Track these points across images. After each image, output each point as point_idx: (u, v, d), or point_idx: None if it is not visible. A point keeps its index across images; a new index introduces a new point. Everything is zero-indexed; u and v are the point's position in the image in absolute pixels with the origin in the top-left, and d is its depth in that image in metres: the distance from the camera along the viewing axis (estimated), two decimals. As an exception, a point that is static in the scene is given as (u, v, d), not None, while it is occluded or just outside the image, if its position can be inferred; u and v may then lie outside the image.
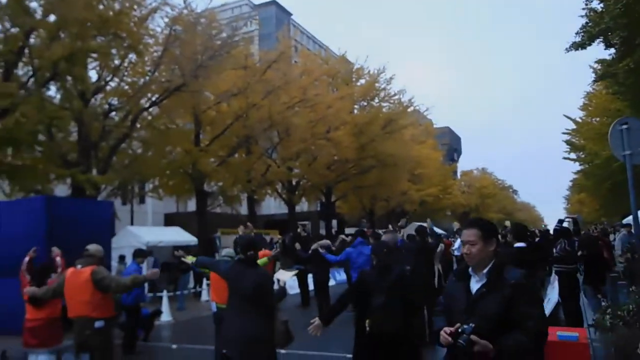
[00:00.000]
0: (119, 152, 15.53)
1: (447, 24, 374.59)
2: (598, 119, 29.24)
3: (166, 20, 15.51)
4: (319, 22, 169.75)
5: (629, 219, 15.67)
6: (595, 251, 9.78)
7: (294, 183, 27.46)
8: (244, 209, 28.66)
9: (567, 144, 33.87)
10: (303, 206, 40.45)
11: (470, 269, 2.83)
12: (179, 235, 16.39)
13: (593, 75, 30.11)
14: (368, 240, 8.50)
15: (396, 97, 30.94)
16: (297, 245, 14.28)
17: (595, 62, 14.38)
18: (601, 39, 9.03)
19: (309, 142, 23.31)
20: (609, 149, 23.79)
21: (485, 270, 2.73)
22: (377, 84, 30.13)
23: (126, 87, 14.92)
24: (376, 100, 30.82)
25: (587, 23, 9.29)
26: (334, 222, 37.44)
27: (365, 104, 30.75)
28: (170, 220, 29.05)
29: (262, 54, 24.02)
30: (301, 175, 26.87)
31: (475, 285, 2.77)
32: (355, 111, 30.21)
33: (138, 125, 15.44)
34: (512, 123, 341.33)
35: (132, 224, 21.65)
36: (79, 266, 5.35)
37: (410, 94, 35.01)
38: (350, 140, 26.68)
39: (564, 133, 33.83)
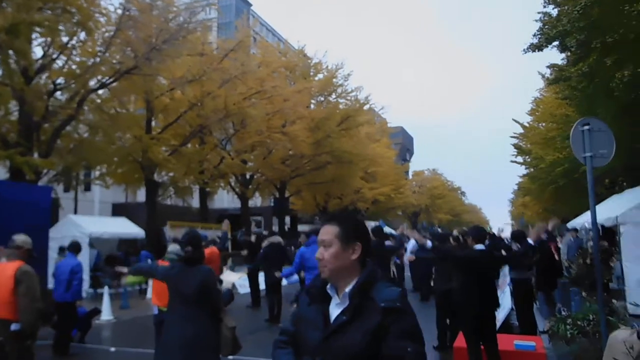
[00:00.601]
0: (63, 135, 14.57)
1: (405, 23, 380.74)
2: (544, 124, 30.32)
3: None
4: (279, 15, 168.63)
5: (574, 223, 16.21)
6: (547, 256, 9.63)
7: (247, 177, 26.99)
8: (196, 202, 27.99)
9: (515, 147, 34.97)
10: (257, 201, 39.95)
11: (328, 287, 2.08)
12: (125, 227, 15.58)
13: (542, 81, 31.64)
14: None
15: (353, 93, 30.93)
16: (244, 252, 13.84)
17: (547, 66, 14.76)
18: (557, 43, 9.18)
19: (265, 135, 22.92)
20: (554, 154, 24.54)
21: (347, 289, 2.00)
22: (334, 80, 30.01)
23: (74, 66, 13.98)
24: (333, 96, 30.71)
25: (544, 26, 9.44)
26: (287, 219, 37.20)
27: (322, 99, 30.58)
28: (118, 210, 27.93)
29: (220, 42, 23.42)
30: (255, 169, 26.42)
31: (334, 309, 2.02)
32: (313, 106, 30.02)
33: (86, 108, 14.59)
34: (465, 124, 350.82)
35: (75, 212, 20.60)
36: (3, 259, 4.72)
37: (367, 92, 35.20)
38: (306, 135, 26.44)
39: (512, 137, 34.95)
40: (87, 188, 22.88)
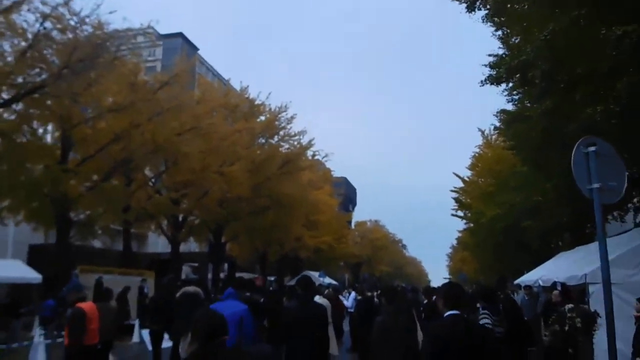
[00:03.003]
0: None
1: (352, 75, 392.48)
2: (483, 179, 30.57)
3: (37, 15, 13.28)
4: (226, 62, 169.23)
5: (525, 280, 15.56)
6: (518, 318, 7.73)
7: (180, 219, 25.14)
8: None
9: (456, 201, 35.04)
10: (193, 246, 37.82)
11: None
12: (18, 271, 13.43)
13: (481, 137, 32.12)
14: (244, 293, 6.29)
15: (296, 137, 30.09)
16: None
17: (498, 112, 14.34)
18: (515, 77, 8.52)
19: (199, 175, 21.44)
20: (494, 209, 24.33)
21: None
22: (277, 122, 29.15)
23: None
24: (275, 138, 29.75)
25: (504, 55, 8.82)
26: (225, 266, 35.15)
27: (264, 141, 29.55)
28: (36, 252, 25.02)
29: (156, 75, 22.11)
30: (188, 211, 24.67)
31: None
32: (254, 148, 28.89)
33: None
34: (406, 177, 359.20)
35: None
36: None
37: (310, 136, 34.39)
38: (245, 177, 25.14)
39: (452, 190, 35.05)
40: None
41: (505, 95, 12.82)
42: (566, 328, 7.14)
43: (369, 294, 9.81)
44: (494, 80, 8.97)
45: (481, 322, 6.41)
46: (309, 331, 5.12)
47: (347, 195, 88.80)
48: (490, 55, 10.83)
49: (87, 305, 6.34)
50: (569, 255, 13.29)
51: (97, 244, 20.63)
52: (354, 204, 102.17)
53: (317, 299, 8.02)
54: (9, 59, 13.01)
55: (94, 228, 18.11)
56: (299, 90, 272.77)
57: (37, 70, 13.37)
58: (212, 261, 30.73)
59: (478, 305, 7.41)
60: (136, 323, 13.92)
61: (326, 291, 11.64)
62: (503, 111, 13.59)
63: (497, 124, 16.51)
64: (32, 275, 13.52)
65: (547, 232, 18.37)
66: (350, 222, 70.68)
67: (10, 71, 12.58)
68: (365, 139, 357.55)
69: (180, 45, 68.97)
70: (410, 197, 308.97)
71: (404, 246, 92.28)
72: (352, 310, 12.30)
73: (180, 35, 72.95)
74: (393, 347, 3.97)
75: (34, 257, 22.72)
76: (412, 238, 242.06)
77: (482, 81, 9.31)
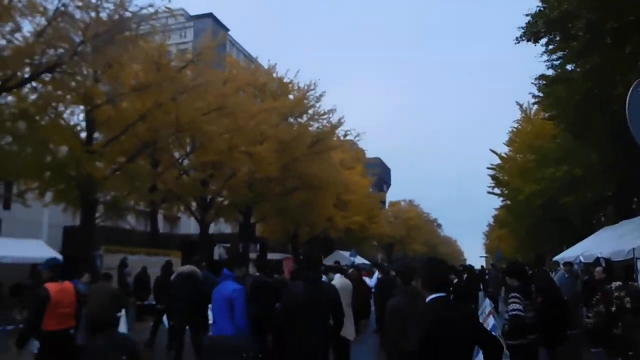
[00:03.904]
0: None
1: (386, 54, 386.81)
2: (521, 155, 29.53)
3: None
4: (257, 43, 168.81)
5: (564, 256, 14.65)
6: (555, 298, 6.72)
7: (208, 200, 25.02)
8: (160, 226, 25.80)
9: (492, 178, 34.01)
10: (224, 227, 37.93)
11: None
12: (37, 251, 13.39)
13: (519, 111, 30.90)
14: (239, 273, 5.51)
15: (325, 116, 29.45)
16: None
17: (536, 78, 13.30)
18: (555, 32, 7.64)
19: (226, 155, 21.14)
20: (532, 185, 23.36)
21: None
22: (305, 101, 28.55)
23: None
24: (304, 117, 29.21)
25: (540, 10, 7.93)
26: (255, 247, 35.14)
27: (293, 120, 29.03)
28: (69, 234, 25.53)
29: (180, 55, 21.82)
30: (216, 192, 24.51)
31: None
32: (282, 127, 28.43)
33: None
34: (443, 155, 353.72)
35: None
36: None
37: (340, 114, 33.66)
38: (273, 157, 24.76)
39: (489, 168, 34.00)
40: (7, 206, 20.45)
41: (545, 61, 11.87)
42: (613, 309, 6.33)
43: (393, 273, 9.22)
44: (531, 35, 8.11)
45: (510, 307, 5.70)
46: (314, 316, 4.52)
47: (380, 175, 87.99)
48: (527, 15, 9.89)
49: (55, 286, 5.71)
50: (614, 230, 12.38)
51: (127, 225, 20.65)
52: (388, 185, 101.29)
53: (337, 277, 7.53)
54: (29, 37, 12.81)
55: (121, 209, 18.05)
56: (331, 68, 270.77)
57: (57, 50, 13.14)
58: (242, 242, 30.69)
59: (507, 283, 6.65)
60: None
61: (350, 270, 11.13)
62: (542, 77, 12.59)
63: (536, 93, 15.48)
64: (51, 255, 13.47)
65: (588, 207, 17.38)
66: (383, 202, 69.96)
67: (30, 50, 12.37)
68: (400, 118, 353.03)
69: (210, 26, 68.97)
70: (446, 176, 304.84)
71: (439, 225, 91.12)
72: (374, 288, 11.72)
73: (210, 15, 72.89)
74: (408, 336, 3.32)
75: (68, 238, 23.07)
76: (448, 217, 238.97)
77: (517, 38, 8.43)
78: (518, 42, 8.46)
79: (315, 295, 4.70)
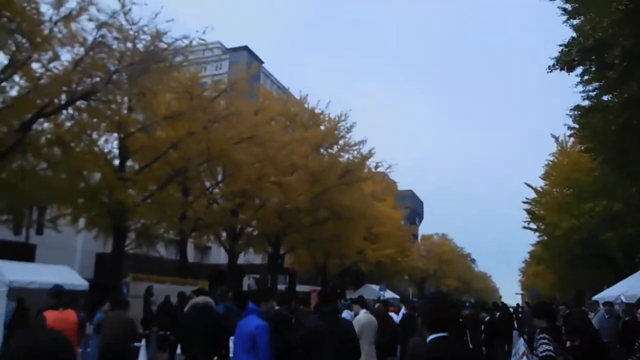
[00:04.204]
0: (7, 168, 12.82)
1: (421, 86, 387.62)
2: (558, 189, 28.73)
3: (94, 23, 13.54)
4: (290, 76, 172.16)
5: (604, 296, 13.88)
6: (593, 341, 5.80)
7: (237, 230, 25.03)
8: (190, 255, 25.87)
9: (528, 213, 33.07)
10: (254, 257, 37.89)
11: None
12: (65, 277, 13.44)
13: (555, 144, 30.18)
14: (265, 307, 5.33)
15: (356, 147, 29.38)
16: None
17: (571, 109, 12.87)
18: (589, 61, 7.37)
19: (256, 185, 21.22)
20: (570, 220, 22.54)
21: None
22: (336, 131, 28.62)
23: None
24: (335, 148, 29.23)
25: (574, 39, 7.67)
26: (284, 278, 34.86)
27: (323, 151, 29.07)
28: (101, 261, 25.96)
29: (214, 85, 22.26)
30: (246, 221, 24.55)
31: None
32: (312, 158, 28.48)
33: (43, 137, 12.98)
34: (477, 189, 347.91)
35: (32, 260, 18.44)
36: None
37: (371, 145, 33.54)
38: (303, 188, 24.75)
39: (524, 202, 33.11)
40: (39, 231, 20.87)
41: (580, 92, 11.54)
42: None
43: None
44: (564, 64, 7.84)
45: (540, 349, 5.18)
46: (330, 351, 4.29)
47: (413, 208, 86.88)
48: (561, 45, 9.66)
49: (53, 314, 5.64)
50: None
51: (158, 253, 20.82)
52: (421, 218, 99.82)
53: (362, 313, 7.24)
54: (67, 65, 13.27)
55: (151, 237, 18.21)
56: (365, 101, 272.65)
57: (93, 78, 13.56)
58: (271, 273, 30.51)
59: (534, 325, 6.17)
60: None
61: (376, 305, 10.76)
62: (578, 107, 12.22)
63: (572, 125, 15.04)
64: (78, 281, 13.56)
65: (630, 243, 16.56)
66: (416, 236, 68.82)
67: (67, 79, 12.80)
68: (434, 151, 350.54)
69: (245, 58, 70.71)
70: (481, 210, 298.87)
71: (473, 260, 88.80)
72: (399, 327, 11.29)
73: (245, 48, 74.70)
74: None
75: (100, 265, 23.39)
76: (482, 252, 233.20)
77: (550, 66, 8.16)
78: (550, 71, 8.19)
79: (329, 330, 4.46)
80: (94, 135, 15.80)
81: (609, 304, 11.41)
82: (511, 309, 22.47)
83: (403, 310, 11.47)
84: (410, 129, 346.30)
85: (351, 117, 37.73)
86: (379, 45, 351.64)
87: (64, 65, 13.22)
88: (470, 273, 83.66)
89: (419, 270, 55.02)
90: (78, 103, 14.30)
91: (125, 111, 15.21)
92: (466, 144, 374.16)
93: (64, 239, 22.26)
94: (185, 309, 7.99)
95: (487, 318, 11.03)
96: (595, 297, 14.66)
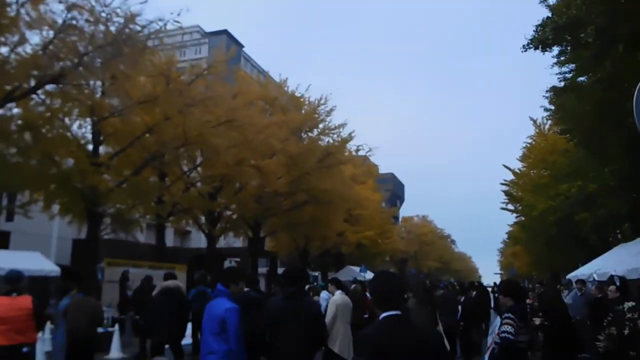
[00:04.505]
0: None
1: (399, 71, 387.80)
2: (535, 170, 29.09)
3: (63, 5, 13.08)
4: (271, 60, 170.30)
5: (577, 274, 14.16)
6: (562, 323, 6.31)
7: (216, 214, 24.84)
8: (170, 240, 25.58)
9: (505, 194, 33.49)
10: (235, 241, 37.79)
11: None
12: (35, 263, 13.20)
13: (533, 126, 30.50)
14: (234, 289, 4.96)
15: (336, 130, 29.27)
16: None
17: (547, 90, 12.90)
18: (564, 41, 7.34)
19: (234, 169, 21.01)
20: (546, 201, 22.84)
21: None
22: (316, 115, 28.44)
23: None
24: (315, 132, 29.07)
25: (548, 18, 7.61)
26: (265, 261, 34.86)
27: (304, 135, 28.89)
28: (78, 246, 25.58)
29: (190, 68, 21.83)
30: (224, 205, 24.39)
31: None
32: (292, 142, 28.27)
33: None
34: (457, 171, 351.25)
35: (6, 247, 18.12)
36: None
37: (352, 128, 33.54)
38: (282, 171, 24.60)
39: (502, 183, 33.50)
40: (9, 218, 20.44)
41: (557, 74, 11.56)
42: (626, 331, 5.86)
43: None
44: (538, 42, 7.77)
45: (502, 329, 5.25)
46: (293, 332, 4.23)
47: (394, 191, 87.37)
48: (537, 26, 9.62)
49: (3, 300, 5.48)
50: (631, 247, 11.93)
51: (134, 238, 20.53)
52: (402, 200, 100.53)
53: (337, 294, 7.25)
54: (36, 49, 12.85)
55: (126, 222, 17.94)
56: (346, 84, 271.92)
57: (65, 62, 13.15)
58: (251, 256, 30.47)
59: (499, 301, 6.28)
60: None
61: (353, 286, 10.81)
62: (553, 89, 12.25)
63: (548, 106, 15.12)
64: (50, 267, 13.33)
65: (603, 224, 16.86)
66: (397, 218, 69.33)
67: (35, 62, 12.39)
68: (414, 134, 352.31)
69: (225, 42, 69.77)
70: (460, 192, 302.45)
71: (453, 241, 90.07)
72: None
73: (225, 32, 73.67)
74: None
75: (78, 252, 23.03)
76: (462, 233, 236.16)
77: (524, 45, 8.11)
78: (525, 50, 8.13)
79: (292, 311, 4.39)
80: (67, 121, 15.38)
81: (580, 282, 11.63)
82: (489, 289, 22.85)
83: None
84: (393, 112, 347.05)
85: (332, 100, 37.74)
86: (358, 25, 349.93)
87: (33, 48, 12.79)
88: (450, 254, 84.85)
89: (399, 251, 55.51)
90: (49, 87, 13.92)
91: (98, 95, 14.81)
92: (448, 127, 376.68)
93: (39, 226, 21.85)
94: (154, 292, 7.90)
95: (463, 298, 11.14)
96: (569, 276, 14.95)
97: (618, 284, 8.36)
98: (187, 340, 8.19)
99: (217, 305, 4.57)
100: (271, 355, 4.33)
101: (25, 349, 5.50)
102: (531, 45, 8.05)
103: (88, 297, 7.00)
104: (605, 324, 6.18)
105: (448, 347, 6.73)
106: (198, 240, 38.11)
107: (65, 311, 6.80)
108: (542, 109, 17.21)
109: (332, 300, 7.18)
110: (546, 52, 8.41)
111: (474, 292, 12.16)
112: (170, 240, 33.89)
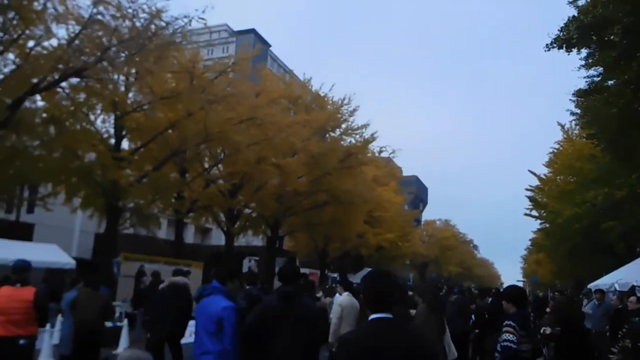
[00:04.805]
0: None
1: (427, 75, 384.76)
2: (562, 177, 28.45)
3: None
4: (298, 60, 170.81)
5: (598, 284, 13.67)
6: (577, 335, 6.06)
7: (235, 212, 24.89)
8: (190, 237, 25.68)
9: (530, 200, 32.82)
10: (254, 240, 37.90)
11: None
12: (52, 255, 13.33)
13: (561, 132, 29.81)
14: (230, 287, 4.76)
15: (359, 130, 29.08)
16: None
17: (573, 93, 12.50)
18: (589, 40, 7.08)
19: (254, 167, 21.03)
20: (572, 209, 22.26)
21: None
22: (339, 115, 28.30)
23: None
24: (337, 132, 28.94)
25: (574, 16, 7.35)
26: (283, 260, 34.83)
27: (326, 135, 28.76)
28: (100, 241, 25.97)
29: (214, 65, 21.95)
30: (244, 203, 24.44)
31: None
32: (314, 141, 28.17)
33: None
34: (480, 175, 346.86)
35: (30, 240, 18.41)
36: None
37: (375, 129, 33.37)
38: (302, 171, 24.53)
39: (527, 189, 32.86)
40: (30, 210, 20.77)
41: (584, 77, 11.19)
42: None
43: (411, 292, 8.68)
44: (562, 42, 7.50)
45: (503, 337, 4.99)
46: (287, 337, 4.03)
47: (417, 194, 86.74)
48: (562, 26, 9.31)
49: (5, 290, 5.48)
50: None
51: (153, 234, 20.69)
52: (425, 203, 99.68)
53: (345, 295, 7.12)
54: (62, 43, 13.03)
55: (145, 217, 18.09)
56: (373, 86, 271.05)
57: (89, 57, 13.31)
58: (269, 255, 30.47)
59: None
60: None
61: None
62: (579, 91, 11.86)
63: (575, 110, 14.68)
64: (66, 260, 13.49)
65: (631, 232, 16.34)
66: (419, 221, 68.61)
67: (60, 55, 12.55)
68: (440, 138, 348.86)
69: (252, 41, 70.28)
70: (484, 196, 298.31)
71: (475, 247, 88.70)
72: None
73: (252, 31, 74.18)
74: None
75: (99, 245, 23.40)
76: (485, 239, 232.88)
77: (547, 45, 7.85)
78: (549, 50, 7.87)
79: (287, 311, 4.19)
80: (90, 115, 15.59)
81: (600, 292, 11.23)
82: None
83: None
84: (419, 115, 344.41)
85: (356, 101, 37.57)
86: (386, 27, 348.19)
87: (60, 42, 12.96)
88: (472, 259, 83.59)
89: (420, 255, 54.87)
90: (74, 81, 14.09)
91: (122, 89, 14.96)
92: (472, 131, 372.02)
93: (62, 219, 22.23)
94: (160, 287, 7.85)
95: (474, 306, 10.81)
96: (590, 285, 14.51)
97: (638, 295, 8.03)
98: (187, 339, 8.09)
99: (213, 303, 4.34)
100: (265, 357, 4.15)
101: (22, 342, 5.41)
102: (555, 45, 7.78)
103: (96, 291, 6.97)
104: (620, 335, 5.93)
105: (455, 354, 6.52)
106: (219, 238, 38.35)
107: (73, 304, 6.82)
108: (568, 113, 16.79)
109: (337, 302, 7.07)
110: (571, 52, 8.13)
111: (490, 299, 11.81)
112: (190, 237, 34.11)
